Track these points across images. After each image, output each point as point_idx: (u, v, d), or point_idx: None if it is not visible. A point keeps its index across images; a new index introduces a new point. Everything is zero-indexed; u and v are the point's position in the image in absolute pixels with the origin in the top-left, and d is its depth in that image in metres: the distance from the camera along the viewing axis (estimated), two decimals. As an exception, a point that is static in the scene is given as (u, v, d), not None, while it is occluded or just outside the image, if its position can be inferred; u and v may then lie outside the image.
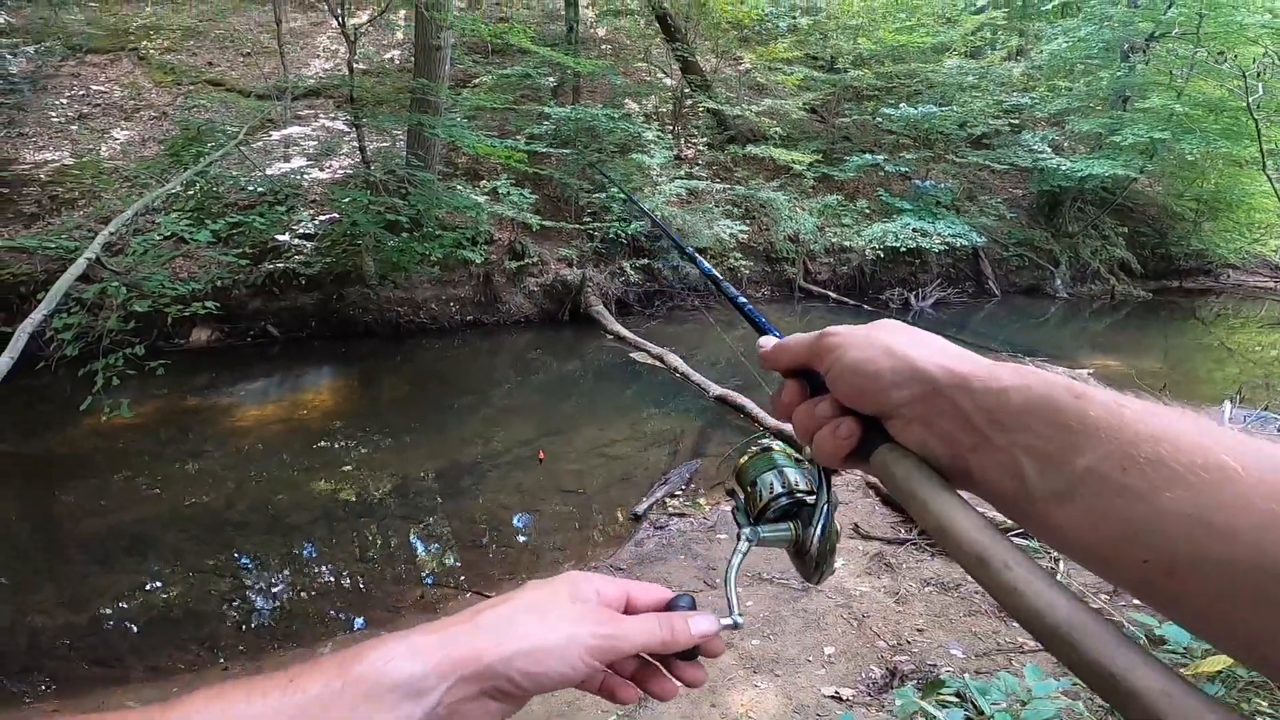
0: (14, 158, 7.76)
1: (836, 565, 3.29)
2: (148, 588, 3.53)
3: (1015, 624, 2.03)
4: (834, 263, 8.93)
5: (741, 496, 0.50)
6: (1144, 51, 10.41)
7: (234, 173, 7.55)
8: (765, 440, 0.51)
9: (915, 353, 0.37)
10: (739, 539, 0.48)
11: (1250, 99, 6.67)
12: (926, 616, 2.82)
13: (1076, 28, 11.03)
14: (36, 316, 3.20)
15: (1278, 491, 0.24)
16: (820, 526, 0.46)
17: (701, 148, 9.92)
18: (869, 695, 2.41)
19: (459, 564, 3.78)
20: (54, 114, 8.46)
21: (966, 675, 2.37)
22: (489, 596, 2.23)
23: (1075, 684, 1.55)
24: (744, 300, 0.58)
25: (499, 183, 7.79)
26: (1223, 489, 0.25)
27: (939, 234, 9.09)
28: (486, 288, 7.16)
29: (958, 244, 9.27)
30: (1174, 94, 9.81)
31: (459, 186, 7.89)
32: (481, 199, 7.49)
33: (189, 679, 2.77)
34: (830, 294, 8.54)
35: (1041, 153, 10.29)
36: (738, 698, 2.44)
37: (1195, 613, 0.26)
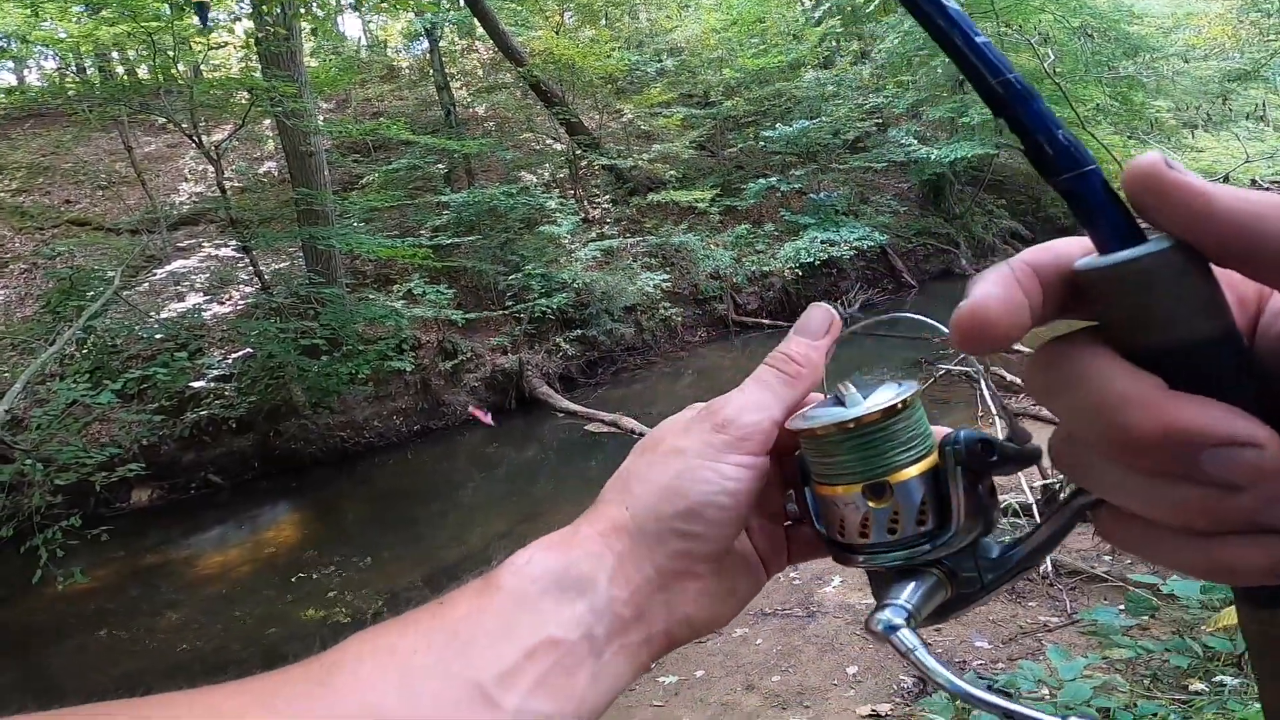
0: None
1: (835, 582, 3.62)
2: None
3: (1031, 603, 2.47)
4: (759, 290, 9.63)
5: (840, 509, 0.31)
6: (959, 35, 11.94)
7: (125, 321, 7.44)
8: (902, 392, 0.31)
9: None
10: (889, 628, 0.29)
11: (1045, 64, 7.64)
12: None
13: (899, 23, 12.52)
14: None
15: None
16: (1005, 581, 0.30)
17: (606, 205, 10.53)
18: (906, 705, 2.46)
19: None
20: None
21: (999, 665, 2.49)
22: None
23: (1104, 657, 1.49)
24: None
25: (412, 283, 8.02)
26: None
27: (845, 240, 10.02)
28: (426, 394, 7.32)
29: (865, 246, 10.22)
30: None
31: (371, 295, 8.05)
32: (398, 304, 7.68)
33: None
34: (764, 321, 9.19)
35: (910, 145, 11.56)
36: None
37: None
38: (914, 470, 0.28)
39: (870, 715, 2.49)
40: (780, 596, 3.51)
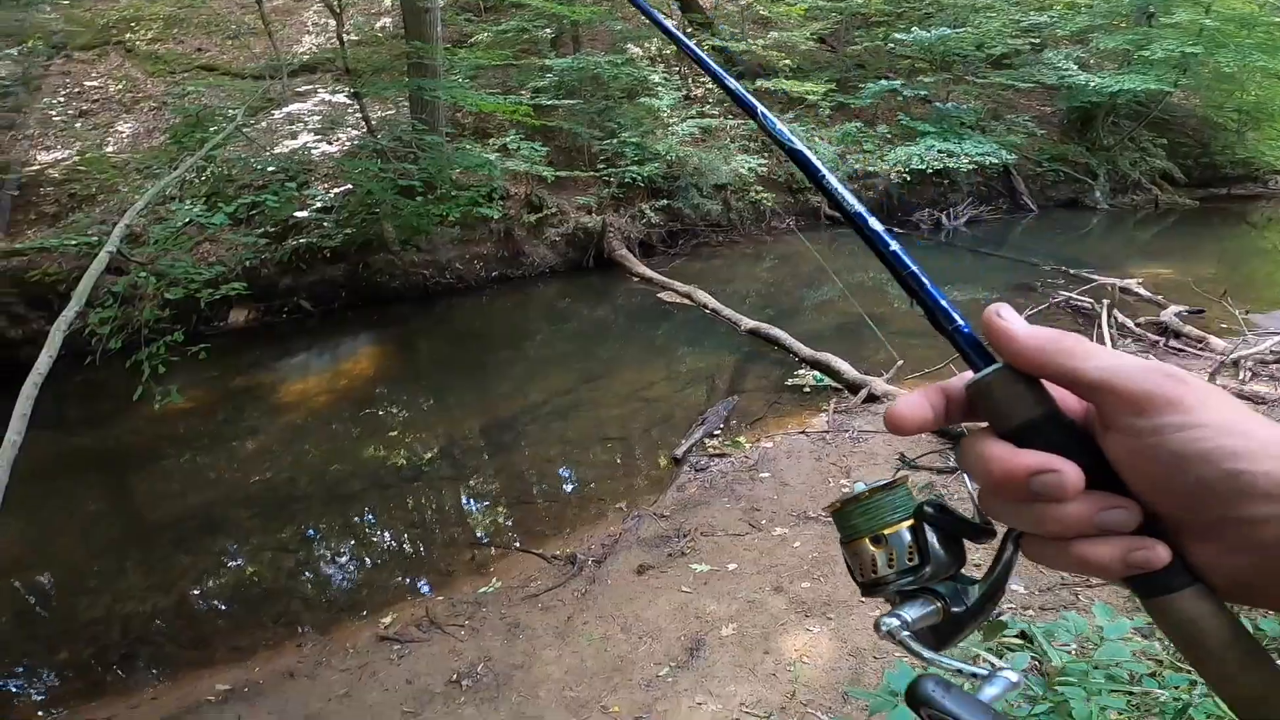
0: (26, 159, 8.22)
1: (805, 472, 3.53)
2: (226, 566, 3.85)
3: None
4: (858, 189, 9.20)
5: (859, 557, 0.40)
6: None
7: (242, 155, 7.98)
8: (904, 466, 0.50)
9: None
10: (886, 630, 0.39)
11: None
12: (986, 551, 2.92)
13: None
14: (69, 314, 3.39)
15: None
16: (980, 607, 0.39)
17: (710, 86, 10.20)
18: None
19: (508, 522, 4.01)
20: (54, 114, 8.95)
21: (1030, 612, 2.44)
22: (537, 554, 2.98)
23: (1148, 623, 1.42)
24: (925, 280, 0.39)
25: (508, 138, 8.15)
26: None
27: (966, 154, 9.31)
28: (508, 242, 7.55)
29: (986, 163, 9.47)
30: (1202, 9, 9.97)
31: (468, 146, 8.25)
32: (492, 156, 7.84)
33: (267, 657, 2.99)
34: (857, 220, 8.80)
35: (1067, 70, 10.43)
36: (791, 642, 2.51)
37: None
38: (900, 526, 0.41)
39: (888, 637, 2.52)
40: (826, 501, 3.46)
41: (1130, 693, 1.34)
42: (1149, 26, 10.74)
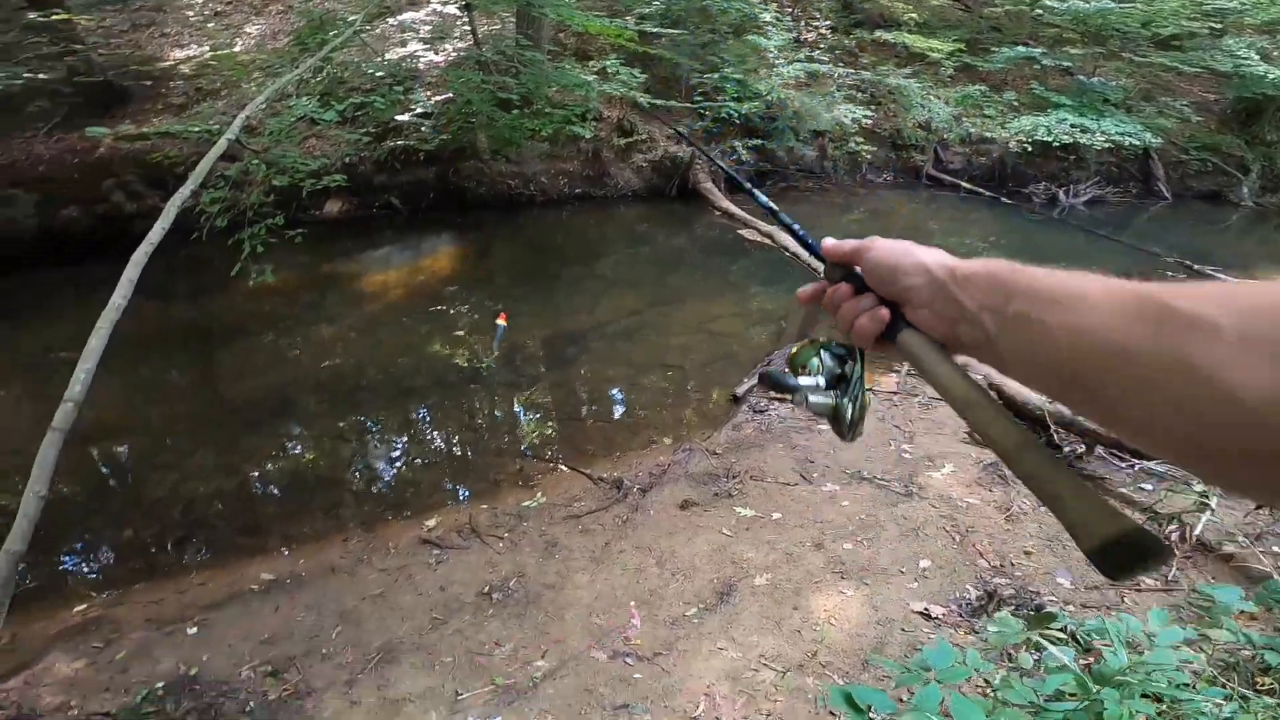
0: (160, 55, 8.85)
1: (946, 469, 3.25)
2: (289, 452, 3.98)
3: None
4: (969, 153, 8.58)
5: (793, 378, 0.65)
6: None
7: (356, 59, 8.32)
8: (810, 336, 0.70)
9: (923, 254, 0.53)
10: (793, 403, 0.67)
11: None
12: (1038, 539, 2.70)
13: None
14: (184, 192, 3.54)
15: (1110, 301, 0.40)
16: (854, 396, 0.62)
17: (824, 31, 9.68)
18: (960, 616, 2.36)
19: (557, 437, 3.99)
20: (191, 13, 9.59)
21: (1070, 608, 2.33)
22: (585, 473, 3.05)
23: (1201, 632, 1.52)
24: (787, 218, 0.72)
25: (608, 62, 8.07)
26: (1080, 305, 0.41)
27: (1103, 131, 8.50)
28: (595, 162, 7.55)
29: (1125, 143, 8.60)
30: None
31: (568, 66, 8.25)
32: (590, 78, 7.82)
33: (313, 550, 3.05)
34: (962, 184, 8.23)
35: (1247, 59, 9.29)
36: (822, 602, 2.47)
37: (1101, 408, 0.42)
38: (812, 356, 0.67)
39: (922, 613, 2.40)
40: (885, 465, 3.31)
41: (1160, 699, 1.29)
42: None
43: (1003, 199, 7.91)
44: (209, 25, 9.51)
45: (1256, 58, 9.34)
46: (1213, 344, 0.34)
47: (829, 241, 0.61)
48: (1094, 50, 9.49)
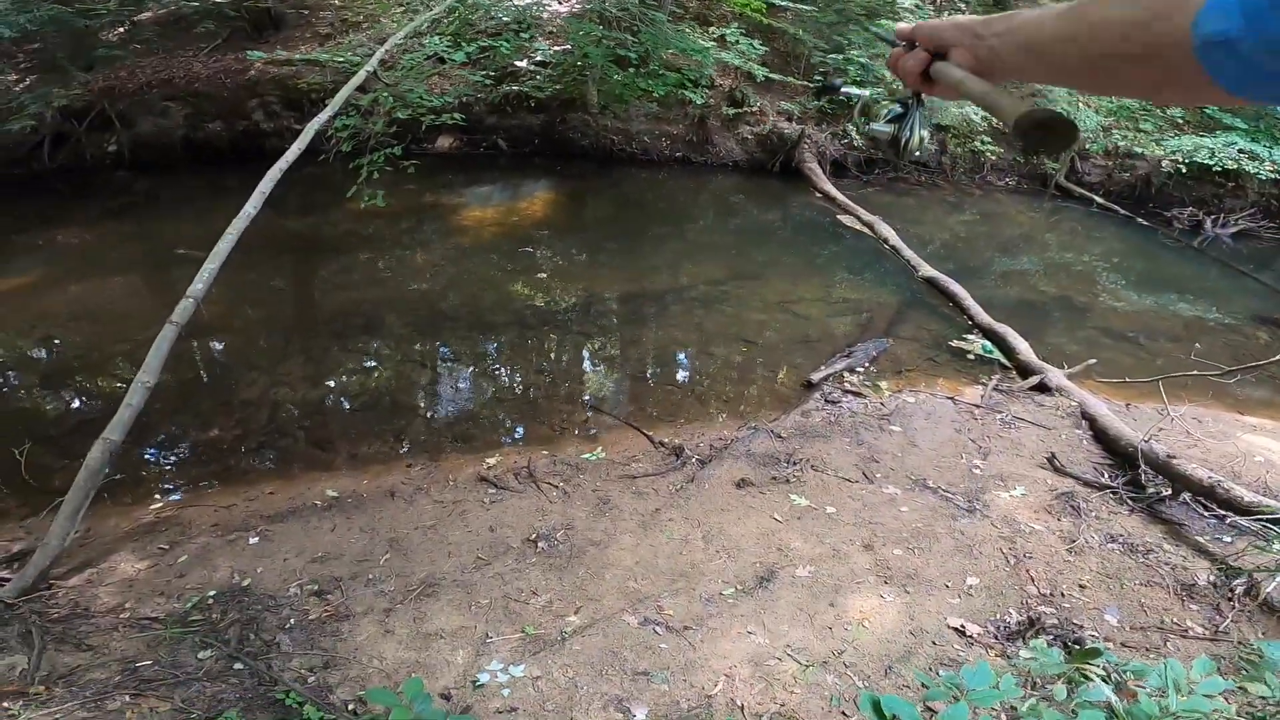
0: None
1: (1017, 491, 3.06)
2: (371, 370, 4.14)
3: (1193, 606, 2.23)
4: (1111, 166, 7.85)
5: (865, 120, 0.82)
6: None
7: (484, 3, 8.46)
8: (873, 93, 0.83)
9: (960, 18, 0.68)
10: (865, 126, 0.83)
11: None
12: (1096, 574, 2.61)
13: None
14: (323, 116, 3.77)
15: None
16: (910, 127, 0.80)
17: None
18: (995, 638, 2.29)
19: (623, 395, 4.00)
20: None
21: (1109, 644, 2.26)
22: (647, 434, 3.15)
23: (1241, 687, 1.53)
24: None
25: (729, 30, 7.87)
26: (1071, 12, 0.55)
27: (1274, 161, 7.58)
28: (700, 129, 7.44)
29: (1302, 175, 7.65)
30: None
31: (688, 30, 8.10)
32: (709, 45, 7.65)
33: (378, 472, 3.15)
34: (1095, 198, 7.57)
35: None
36: (859, 603, 2.42)
37: (1098, 79, 0.59)
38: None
39: (958, 629, 2.34)
40: (952, 477, 3.18)
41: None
42: None
43: (1139, 219, 7.22)
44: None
45: None
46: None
47: (900, 25, 0.76)
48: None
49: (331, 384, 3.99)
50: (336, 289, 5.07)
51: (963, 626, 2.34)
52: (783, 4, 7.91)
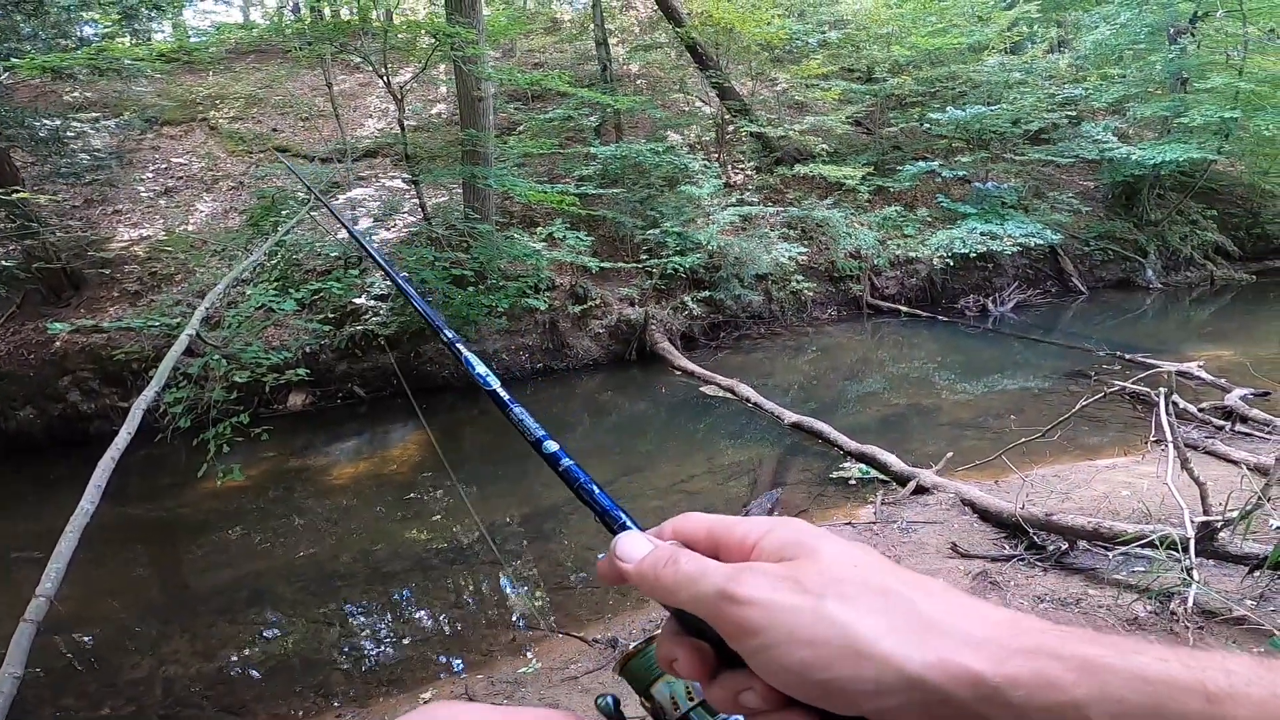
0: (112, 235, 8.55)
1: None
2: (267, 636, 3.88)
3: (1150, 636, 2.25)
4: (900, 275, 9.05)
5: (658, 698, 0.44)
6: (1191, 33, 10.43)
7: (309, 238, 8.29)
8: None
9: (901, 644, 0.28)
10: None
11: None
12: None
13: (1115, 14, 11.11)
14: (149, 394, 3.54)
15: None
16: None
17: (749, 172, 10.29)
18: None
19: (548, 605, 3.96)
20: (142, 189, 9.39)
21: None
22: (578, 637, 2.78)
23: None
24: (582, 475, 0.46)
25: (554, 227, 8.29)
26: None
27: (1009, 235, 9.12)
28: (553, 334, 7.59)
29: (1031, 244, 9.26)
30: (1235, 72, 9.79)
31: (516, 235, 8.41)
32: (539, 245, 7.98)
33: None
34: (900, 308, 8.63)
35: (1107, 143, 10.24)
36: None
37: None
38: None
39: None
40: (915, 562, 3.36)
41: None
42: (1184, 93, 10.54)
43: (939, 318, 8.31)
44: (160, 202, 9.35)
45: (1115, 139, 10.33)
46: None
47: (631, 549, 0.38)
48: (980, 155, 10.35)
49: (232, 656, 3.70)
50: (211, 569, 4.72)
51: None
52: (594, 191, 8.51)
